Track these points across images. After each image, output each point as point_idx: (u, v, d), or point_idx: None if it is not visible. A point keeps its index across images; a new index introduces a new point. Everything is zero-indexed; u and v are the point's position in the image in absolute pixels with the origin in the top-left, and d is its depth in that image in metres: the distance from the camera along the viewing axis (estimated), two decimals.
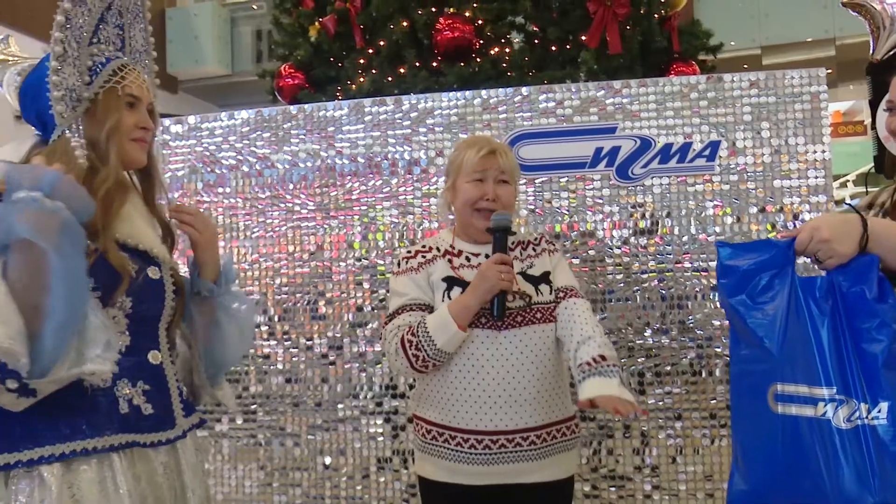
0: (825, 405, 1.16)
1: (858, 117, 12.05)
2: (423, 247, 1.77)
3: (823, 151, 2.41)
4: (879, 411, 1.13)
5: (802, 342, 1.19)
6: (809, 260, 1.27)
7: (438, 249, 1.75)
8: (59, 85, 1.22)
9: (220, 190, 2.73)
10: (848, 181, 10.09)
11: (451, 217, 1.85)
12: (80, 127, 1.24)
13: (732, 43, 9.80)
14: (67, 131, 1.23)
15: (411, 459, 2.52)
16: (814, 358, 1.18)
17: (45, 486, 1.10)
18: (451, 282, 1.69)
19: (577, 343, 1.62)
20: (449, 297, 1.66)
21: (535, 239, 1.82)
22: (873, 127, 2.57)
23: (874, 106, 2.56)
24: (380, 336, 2.55)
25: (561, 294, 1.73)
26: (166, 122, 2.77)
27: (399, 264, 1.77)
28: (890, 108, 1.37)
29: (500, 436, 1.61)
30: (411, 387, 2.52)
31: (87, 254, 1.15)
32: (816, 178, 2.41)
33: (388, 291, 2.61)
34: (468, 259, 1.73)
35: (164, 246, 1.35)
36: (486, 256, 1.69)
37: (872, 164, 2.58)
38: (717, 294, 2.42)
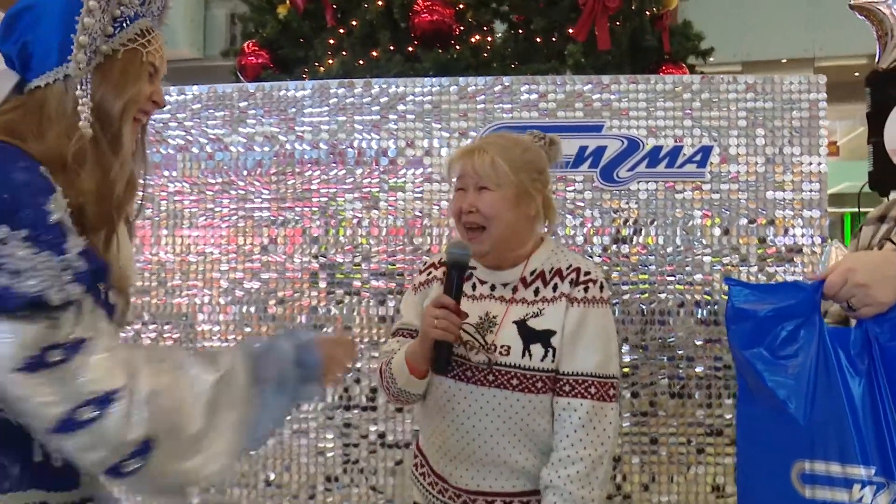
0: (861, 489, 0.96)
1: (832, 138, 12.18)
2: (440, 260, 1.52)
3: (819, 164, 2.26)
4: None
5: (834, 409, 0.98)
6: (842, 307, 1.07)
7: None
8: (89, 29, 0.97)
9: (166, 173, 2.48)
10: None
11: None
12: (89, 86, 0.98)
13: (711, 59, 9.80)
14: (78, 87, 0.97)
15: (363, 477, 2.30)
16: (848, 429, 0.97)
17: None
18: None
19: (545, 486, 1.32)
20: None
21: (567, 269, 1.39)
22: (870, 141, 2.42)
23: (872, 119, 2.41)
24: None
25: (567, 386, 1.33)
26: None
27: (415, 276, 1.58)
28: None
29: (463, 493, 1.39)
30: (370, 398, 2.31)
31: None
32: (811, 191, 2.26)
33: (346, 293, 2.42)
34: (473, 286, 1.45)
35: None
36: (493, 287, 1.43)
37: (842, 185, 2.42)
38: (699, 309, 2.25)
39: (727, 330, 1.09)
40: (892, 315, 1.00)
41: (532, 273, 1.40)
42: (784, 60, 9.94)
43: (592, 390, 1.33)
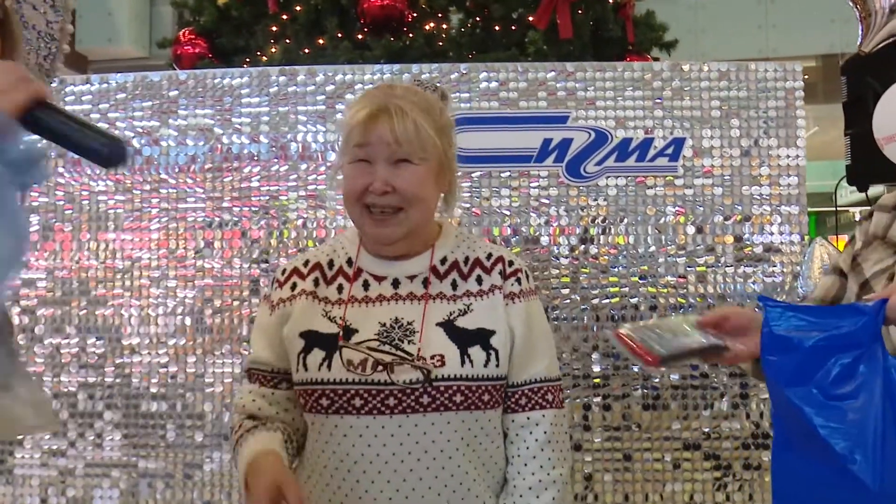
0: None
1: None
2: (305, 263, 1.18)
3: (797, 156, 2.14)
4: None
5: None
6: None
7: (330, 266, 1.16)
8: None
9: (88, 171, 2.23)
10: None
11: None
12: None
13: (666, 62, 9.90)
14: None
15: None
16: None
17: None
18: (310, 340, 1.10)
19: None
20: (304, 366, 1.09)
21: (488, 260, 1.16)
22: (846, 133, 2.32)
23: (849, 108, 2.31)
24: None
25: (523, 399, 1.12)
26: None
27: (271, 283, 1.22)
28: None
29: None
30: None
31: None
32: (789, 185, 2.13)
33: None
34: (365, 286, 1.13)
35: None
36: (395, 282, 1.13)
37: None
38: (673, 313, 2.10)
39: (763, 362, 0.89)
40: None
41: (442, 262, 1.15)
42: (740, 60, 10.07)
43: (549, 397, 1.14)
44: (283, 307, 1.15)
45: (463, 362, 1.08)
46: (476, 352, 1.09)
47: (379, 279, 1.14)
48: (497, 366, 1.10)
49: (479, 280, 1.15)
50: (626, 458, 2.07)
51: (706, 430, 2.06)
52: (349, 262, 1.15)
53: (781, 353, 0.87)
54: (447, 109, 1.19)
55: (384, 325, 1.10)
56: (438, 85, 1.21)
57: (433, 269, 1.14)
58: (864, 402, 0.82)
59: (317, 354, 1.09)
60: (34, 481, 2.17)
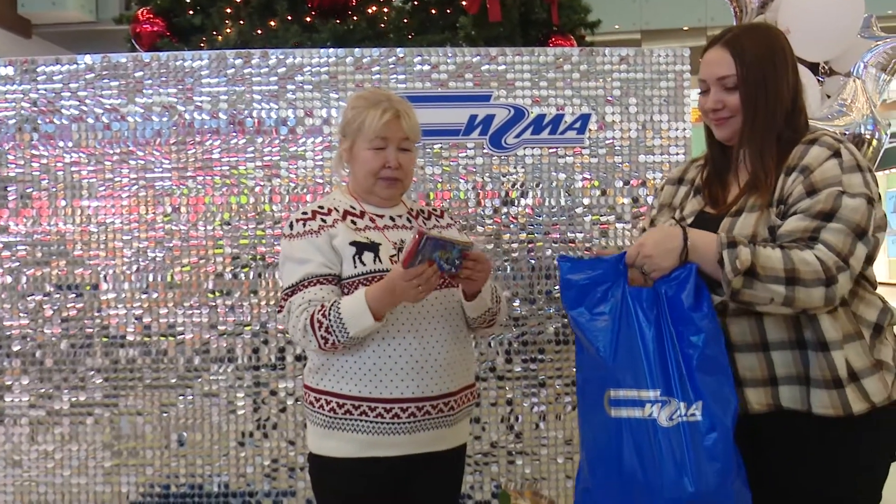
0: (651, 406, 1.26)
1: None
2: (320, 208, 1.64)
3: (684, 129, 2.51)
4: (696, 409, 1.25)
5: (631, 349, 1.29)
6: (641, 272, 1.36)
7: (337, 211, 1.64)
8: None
9: (61, 144, 2.45)
10: None
11: (344, 173, 1.83)
12: None
13: (617, 26, 10.17)
14: None
15: (276, 433, 2.42)
16: (641, 363, 1.27)
17: None
18: (359, 247, 1.60)
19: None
20: (361, 262, 1.58)
21: (437, 211, 1.80)
22: None
23: None
24: (241, 305, 2.42)
25: None
26: None
27: (292, 226, 1.63)
28: (702, 91, 1.43)
29: (425, 402, 1.58)
30: (279, 357, 2.41)
31: None
32: (677, 154, 2.50)
33: (253, 259, 2.49)
34: (372, 220, 1.66)
35: None
36: (391, 219, 1.68)
37: None
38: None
39: (561, 296, 1.37)
40: (673, 276, 1.31)
41: (410, 210, 1.73)
42: (686, 28, 10.45)
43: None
44: (326, 231, 1.61)
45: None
46: None
47: (380, 216, 1.67)
48: None
49: (437, 220, 1.76)
50: (540, 385, 2.46)
51: None
52: (352, 208, 1.66)
53: (567, 289, 1.35)
54: None
55: (396, 242, 1.63)
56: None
57: (409, 212, 1.71)
58: (609, 316, 1.31)
59: (368, 255, 1.59)
60: (23, 421, 2.44)
